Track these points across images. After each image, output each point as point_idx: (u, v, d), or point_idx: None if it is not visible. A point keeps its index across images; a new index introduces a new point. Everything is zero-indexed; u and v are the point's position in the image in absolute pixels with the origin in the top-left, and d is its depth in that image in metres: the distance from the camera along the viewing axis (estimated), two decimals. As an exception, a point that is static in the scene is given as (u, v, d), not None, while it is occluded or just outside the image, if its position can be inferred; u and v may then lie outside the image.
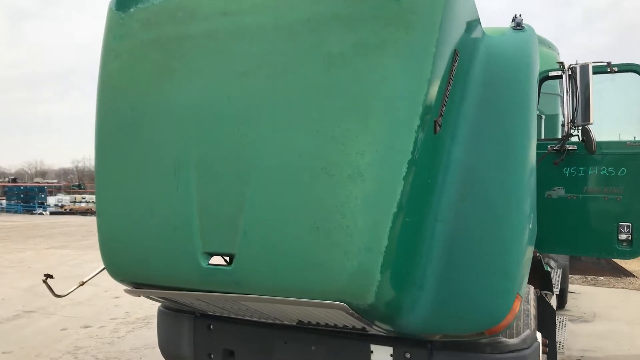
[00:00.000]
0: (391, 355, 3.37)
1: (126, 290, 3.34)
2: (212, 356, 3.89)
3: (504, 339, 3.36)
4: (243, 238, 2.84)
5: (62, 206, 51.24)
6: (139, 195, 3.16)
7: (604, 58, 4.48)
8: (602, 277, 11.80)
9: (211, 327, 4.00)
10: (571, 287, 10.20)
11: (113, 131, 3.31)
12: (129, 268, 3.23)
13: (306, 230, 2.70)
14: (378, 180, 2.60)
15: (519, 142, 3.09)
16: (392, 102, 2.62)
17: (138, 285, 3.29)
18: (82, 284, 3.55)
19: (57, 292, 3.59)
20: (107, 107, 3.37)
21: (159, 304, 4.53)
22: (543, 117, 5.53)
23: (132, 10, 3.36)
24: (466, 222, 3.00)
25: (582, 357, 6.34)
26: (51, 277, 3.66)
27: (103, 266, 3.48)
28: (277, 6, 2.93)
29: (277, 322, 3.60)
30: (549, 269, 4.95)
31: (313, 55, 2.80)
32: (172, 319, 4.19)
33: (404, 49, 2.63)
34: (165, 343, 4.23)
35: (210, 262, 2.98)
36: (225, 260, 3.09)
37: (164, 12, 3.27)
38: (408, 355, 3.35)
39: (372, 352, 3.42)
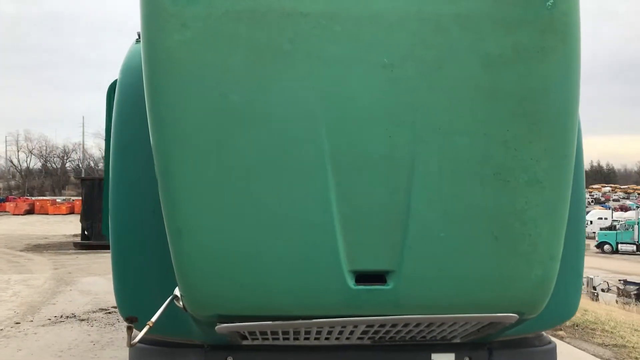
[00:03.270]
0: None
1: (219, 329, 2.57)
2: None
3: (543, 333, 3.66)
4: (407, 253, 2.49)
5: None
6: (252, 207, 2.47)
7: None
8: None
9: (229, 359, 3.35)
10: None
11: (197, 125, 2.50)
12: (229, 297, 2.49)
13: (483, 240, 2.53)
14: (556, 187, 2.58)
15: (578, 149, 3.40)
16: (561, 109, 2.63)
17: (232, 318, 2.57)
18: (152, 325, 2.59)
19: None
20: (178, 90, 2.54)
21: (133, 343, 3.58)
22: None
23: None
24: None
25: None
26: (135, 320, 2.60)
27: (171, 296, 2.64)
28: (417, -6, 2.65)
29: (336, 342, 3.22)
30: None
31: (469, 53, 2.61)
32: (166, 356, 3.37)
33: (563, 58, 2.66)
34: None
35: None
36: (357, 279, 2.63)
37: None
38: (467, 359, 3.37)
39: None
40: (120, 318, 8.91)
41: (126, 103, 3.40)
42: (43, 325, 8.31)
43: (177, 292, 2.68)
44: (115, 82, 5.76)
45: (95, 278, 13.65)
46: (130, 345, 2.58)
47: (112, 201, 3.22)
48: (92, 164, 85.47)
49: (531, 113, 2.60)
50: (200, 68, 2.56)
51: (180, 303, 2.65)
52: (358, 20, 2.61)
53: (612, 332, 8.62)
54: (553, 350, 3.61)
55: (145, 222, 3.11)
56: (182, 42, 2.57)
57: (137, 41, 3.75)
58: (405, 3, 2.63)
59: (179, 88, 2.55)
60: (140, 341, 3.52)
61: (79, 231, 27.22)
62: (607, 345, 7.78)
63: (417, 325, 2.76)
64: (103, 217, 5.81)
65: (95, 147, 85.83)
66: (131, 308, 3.12)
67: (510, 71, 2.62)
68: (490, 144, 2.57)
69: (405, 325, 2.76)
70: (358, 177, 2.53)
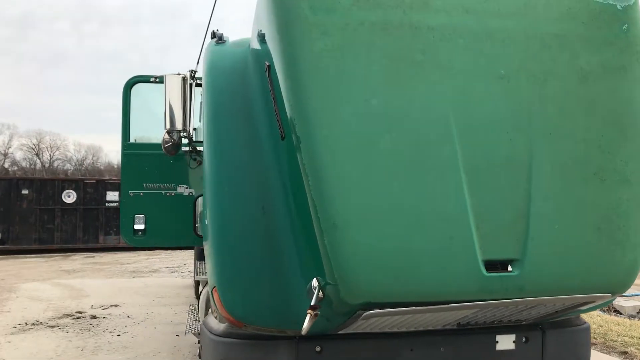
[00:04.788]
0: (514, 341, 3.74)
1: (366, 315, 2.75)
2: None
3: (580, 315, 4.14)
4: (531, 243, 2.83)
5: None
6: (396, 203, 2.70)
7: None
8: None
9: (317, 349, 3.53)
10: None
11: (344, 128, 2.70)
12: (380, 286, 2.70)
13: (589, 231, 2.92)
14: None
15: None
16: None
17: (380, 304, 2.77)
18: (316, 313, 2.69)
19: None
20: (325, 95, 2.72)
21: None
22: None
23: None
24: None
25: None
26: (319, 307, 2.68)
27: (317, 287, 2.78)
28: (524, 14, 3.00)
29: (420, 329, 3.50)
30: None
31: (567, 68, 3.01)
32: (257, 348, 3.47)
33: (638, 74, 3.12)
34: None
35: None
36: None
37: None
38: (524, 340, 3.78)
39: (497, 342, 3.71)
40: (94, 323, 8.61)
41: (219, 103, 3.48)
42: (12, 334, 7.85)
43: (314, 283, 2.84)
44: (132, 80, 5.70)
45: (37, 284, 12.88)
46: (305, 333, 2.71)
47: (214, 201, 3.29)
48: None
49: (618, 121, 3.04)
50: (343, 74, 2.76)
51: (319, 293, 2.81)
52: (476, 35, 2.93)
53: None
54: (589, 328, 4.11)
55: (254, 220, 3.22)
56: (324, 49, 2.76)
57: (217, 43, 3.82)
58: (514, 23, 2.98)
59: (325, 93, 2.73)
60: (227, 335, 3.60)
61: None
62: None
63: (517, 307, 3.10)
64: (121, 221, 5.69)
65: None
66: (240, 304, 3.21)
67: (599, 84, 3.04)
68: (589, 148, 2.97)
69: (509, 308, 3.09)
70: (486, 176, 2.84)
